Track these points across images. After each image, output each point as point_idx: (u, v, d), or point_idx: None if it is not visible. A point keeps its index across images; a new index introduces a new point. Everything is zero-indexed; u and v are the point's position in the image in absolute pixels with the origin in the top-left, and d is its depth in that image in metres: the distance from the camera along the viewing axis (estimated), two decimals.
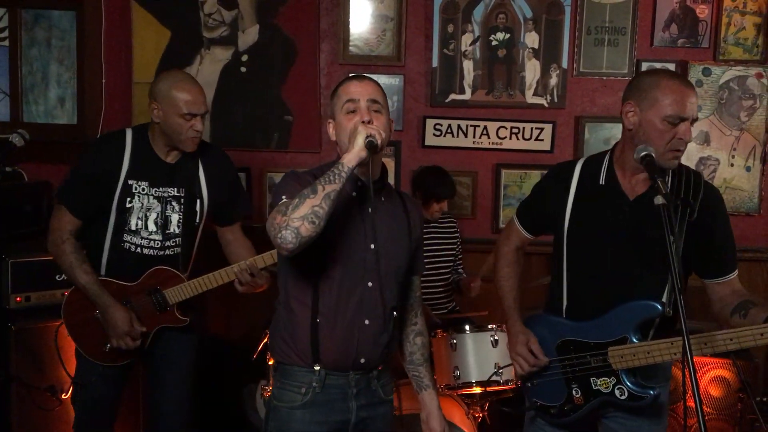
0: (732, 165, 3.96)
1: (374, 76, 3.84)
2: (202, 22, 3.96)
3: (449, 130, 4.00)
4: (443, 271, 3.74)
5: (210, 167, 2.83)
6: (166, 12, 3.95)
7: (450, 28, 3.93)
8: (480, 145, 4.01)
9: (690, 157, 3.95)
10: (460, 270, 3.84)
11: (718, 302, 2.29)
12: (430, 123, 3.99)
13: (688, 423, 3.36)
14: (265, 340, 3.36)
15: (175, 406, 2.89)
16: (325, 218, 1.87)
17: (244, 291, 2.75)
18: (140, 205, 2.72)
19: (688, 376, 1.75)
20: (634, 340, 2.17)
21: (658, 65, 3.91)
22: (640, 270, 2.18)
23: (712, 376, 3.45)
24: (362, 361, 2.07)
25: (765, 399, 3.40)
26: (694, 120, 2.11)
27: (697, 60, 3.91)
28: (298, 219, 1.85)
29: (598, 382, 2.23)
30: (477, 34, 3.94)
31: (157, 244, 2.75)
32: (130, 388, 3.10)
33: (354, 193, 2.09)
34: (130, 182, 2.70)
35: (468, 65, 3.96)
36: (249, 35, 3.98)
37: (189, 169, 2.78)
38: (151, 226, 2.73)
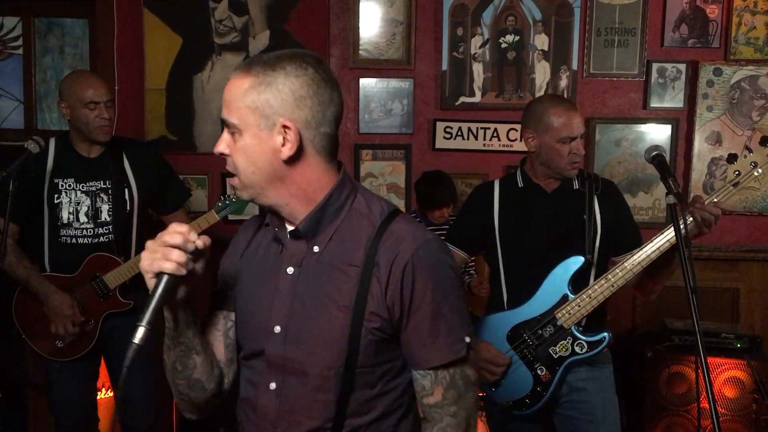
0: None
1: (384, 80, 3.98)
2: (213, 29, 3.99)
3: (459, 133, 4.01)
4: None
5: (134, 157, 2.97)
6: (178, 19, 3.98)
7: (459, 31, 3.94)
8: (490, 148, 4.02)
9: (702, 158, 3.93)
10: (472, 272, 3.84)
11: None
12: (440, 126, 4.00)
13: (702, 424, 3.34)
14: None
15: (143, 398, 2.96)
16: (205, 380, 1.43)
17: None
18: (68, 200, 2.86)
19: (701, 377, 1.74)
20: (573, 295, 2.41)
21: (668, 66, 3.91)
22: (567, 245, 2.44)
23: (727, 377, 3.43)
24: None
25: None
26: (583, 135, 2.47)
27: (708, 60, 3.90)
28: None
29: (557, 349, 2.42)
30: (486, 36, 3.95)
31: (90, 232, 2.88)
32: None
33: (279, 248, 1.43)
34: (55, 181, 2.87)
35: (478, 68, 3.96)
36: (260, 41, 4.00)
37: (113, 162, 2.92)
38: (83, 218, 2.87)
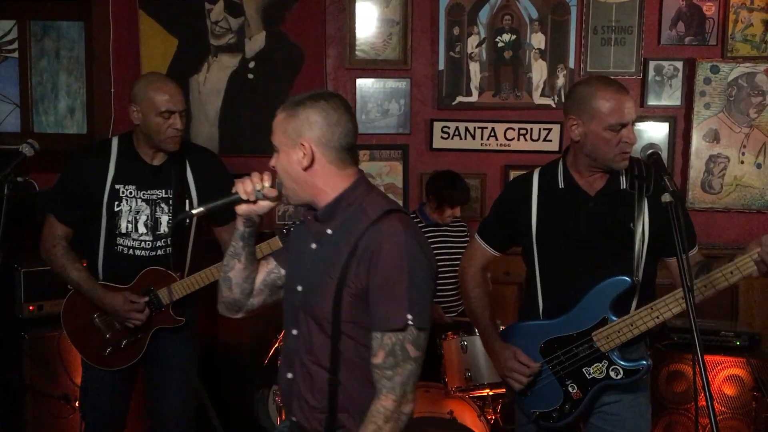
0: (742, 162, 3.94)
1: (381, 80, 3.98)
2: (209, 30, 3.98)
3: (457, 133, 4.00)
4: (453, 273, 3.73)
5: (198, 167, 2.85)
6: (173, 20, 3.97)
7: (456, 31, 3.94)
8: (488, 147, 4.01)
9: (700, 155, 3.93)
10: None
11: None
12: (437, 126, 3.99)
13: (701, 422, 3.34)
14: (276, 345, 3.37)
15: (178, 411, 2.91)
16: (234, 282, 1.94)
17: None
18: (128, 208, 2.76)
19: (699, 374, 1.73)
20: (614, 318, 2.22)
21: (665, 64, 3.91)
22: (610, 258, 2.24)
23: (726, 375, 3.42)
24: (293, 419, 1.85)
25: None
26: (635, 121, 2.21)
27: (705, 57, 3.89)
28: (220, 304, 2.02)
29: (591, 371, 2.25)
30: (483, 36, 3.94)
31: (148, 245, 2.78)
32: (135, 394, 3.11)
33: (309, 229, 1.89)
34: (116, 187, 2.75)
35: (474, 67, 3.96)
36: (256, 42, 4.00)
37: (176, 171, 2.81)
38: (141, 228, 2.77)
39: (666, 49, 3.94)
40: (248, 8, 3.96)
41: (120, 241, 2.77)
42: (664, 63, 3.92)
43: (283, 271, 1.96)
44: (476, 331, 3.18)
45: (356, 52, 3.97)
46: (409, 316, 1.68)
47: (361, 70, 3.98)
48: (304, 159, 1.77)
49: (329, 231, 1.81)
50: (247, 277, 1.95)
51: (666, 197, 1.91)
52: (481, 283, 2.50)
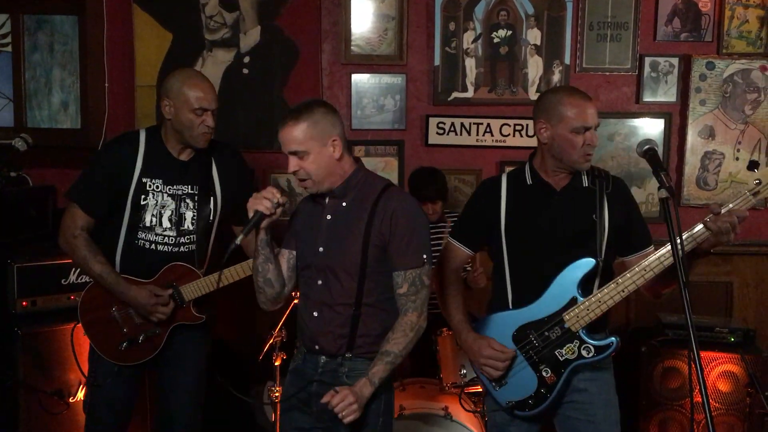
0: (737, 159, 3.94)
1: (376, 76, 3.97)
2: (204, 25, 3.96)
3: (452, 129, 4.00)
4: None
5: (223, 164, 2.85)
6: (168, 15, 3.95)
7: (451, 26, 3.93)
8: (483, 143, 4.01)
9: (695, 152, 3.93)
10: (468, 268, 3.82)
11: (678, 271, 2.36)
12: (433, 122, 3.99)
13: (696, 418, 3.34)
14: (270, 341, 3.36)
15: (188, 412, 2.89)
16: (273, 281, 2.36)
17: None
18: (155, 202, 2.74)
19: (695, 371, 1.73)
20: (582, 298, 2.35)
21: (661, 60, 3.91)
22: (575, 247, 2.39)
23: (721, 371, 3.43)
24: (316, 347, 2.33)
25: None
26: (596, 126, 2.41)
27: (701, 54, 3.89)
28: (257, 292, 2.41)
29: (564, 352, 2.37)
30: (479, 31, 3.94)
31: (172, 240, 2.76)
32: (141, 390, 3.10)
33: (320, 206, 2.37)
34: (144, 180, 2.73)
35: (470, 63, 3.95)
36: (251, 37, 3.98)
37: (202, 167, 2.80)
38: (166, 223, 2.75)
39: (662, 45, 3.94)
40: (243, 3, 3.95)
41: (142, 234, 2.75)
42: (660, 59, 3.91)
43: (295, 253, 2.41)
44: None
45: (352, 48, 3.95)
46: (425, 256, 2.29)
47: (357, 65, 3.97)
48: (336, 152, 2.26)
49: (344, 204, 2.32)
50: (279, 272, 2.37)
51: (662, 193, 1.93)
52: (454, 282, 2.62)
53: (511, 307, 2.47)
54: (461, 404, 3.11)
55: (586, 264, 2.35)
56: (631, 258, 2.46)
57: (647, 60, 3.91)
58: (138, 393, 2.96)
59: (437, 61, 3.94)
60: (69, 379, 3.19)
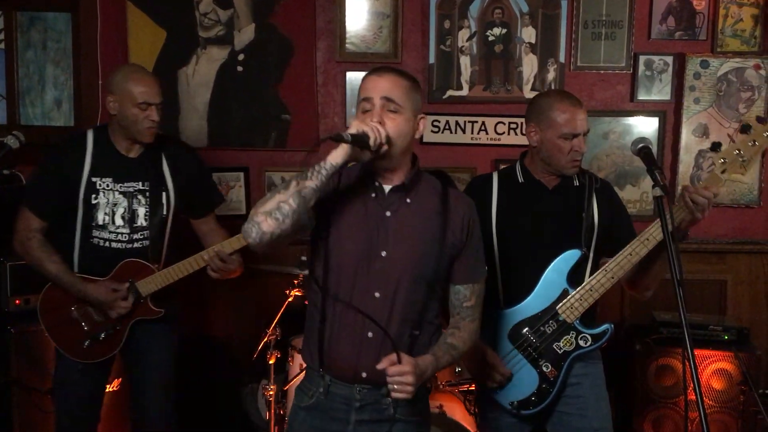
0: None
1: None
2: (198, 22, 3.95)
3: (447, 127, 3.99)
4: None
5: (174, 159, 2.87)
6: (162, 12, 3.93)
7: (446, 24, 3.92)
8: (478, 141, 4.00)
9: (689, 150, 3.94)
10: None
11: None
12: (427, 119, 3.98)
13: (690, 416, 3.35)
14: (265, 340, 3.36)
15: (159, 406, 2.91)
16: (292, 215, 1.79)
17: (217, 277, 2.83)
18: (106, 200, 2.76)
19: (689, 369, 1.74)
20: (572, 289, 2.38)
21: (655, 58, 3.91)
22: (565, 243, 2.40)
23: (714, 369, 3.44)
24: (364, 375, 1.94)
25: (767, 391, 3.39)
26: (586, 133, 2.42)
27: (695, 52, 3.90)
28: (262, 214, 1.80)
29: (562, 344, 2.39)
30: (473, 29, 3.93)
31: (125, 237, 2.78)
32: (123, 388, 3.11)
33: (374, 195, 1.97)
34: (93, 179, 2.75)
35: (465, 61, 3.95)
36: (245, 34, 3.97)
37: (152, 162, 2.82)
38: (119, 221, 2.77)
39: (656, 43, 3.94)
40: (237, 0, 3.93)
41: (96, 233, 2.77)
42: (654, 57, 3.92)
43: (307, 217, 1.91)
44: None
45: (346, 45, 3.94)
46: (485, 268, 2.13)
47: (352, 63, 3.96)
48: (419, 131, 1.98)
49: (408, 200, 1.98)
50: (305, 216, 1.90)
51: (656, 191, 1.93)
52: None
53: (502, 306, 2.46)
54: (466, 407, 3.10)
55: (572, 255, 2.38)
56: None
57: (642, 58, 3.91)
58: (104, 389, 3.00)
59: (432, 59, 3.94)
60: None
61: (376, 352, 1.90)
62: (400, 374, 1.81)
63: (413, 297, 1.95)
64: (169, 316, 2.88)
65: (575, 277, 2.40)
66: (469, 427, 2.99)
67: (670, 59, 3.91)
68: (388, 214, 1.95)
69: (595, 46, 3.93)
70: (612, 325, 2.40)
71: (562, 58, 3.93)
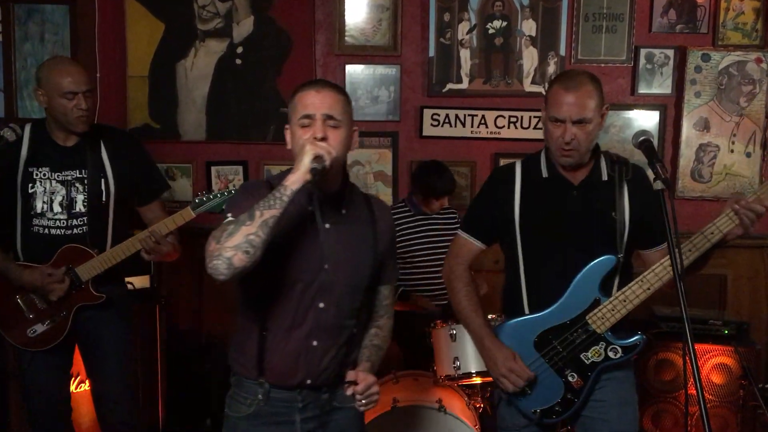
0: (732, 151, 3.94)
1: (371, 67, 3.94)
2: (197, 15, 3.93)
3: (447, 120, 3.98)
4: (442, 262, 3.71)
5: (112, 146, 2.89)
6: (160, 4, 3.92)
7: (446, 17, 3.90)
8: (478, 135, 3.99)
9: (690, 144, 3.92)
10: None
11: (658, 261, 2.27)
12: (427, 113, 3.96)
13: (690, 411, 3.34)
14: None
15: (117, 394, 2.93)
16: (261, 246, 1.79)
17: (151, 259, 2.86)
18: (43, 189, 2.80)
19: (689, 363, 1.72)
20: (605, 298, 2.22)
21: (656, 52, 3.89)
22: (594, 245, 2.23)
23: (714, 364, 3.43)
24: (308, 382, 2.00)
25: (767, 386, 3.39)
26: (581, 121, 2.17)
27: (696, 46, 3.88)
28: (231, 248, 1.77)
29: (590, 355, 2.25)
30: (473, 22, 3.91)
31: (63, 223, 2.81)
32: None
33: (310, 207, 1.98)
34: (30, 169, 2.79)
35: (465, 54, 3.93)
36: (244, 27, 3.95)
37: (90, 151, 2.84)
38: (57, 208, 2.80)
39: (657, 36, 3.92)
40: None
41: (36, 221, 2.80)
42: (655, 51, 3.90)
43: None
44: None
45: (345, 38, 3.93)
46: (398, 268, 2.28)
47: (351, 56, 3.94)
48: (353, 144, 2.02)
49: (344, 211, 2.02)
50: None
51: (658, 184, 1.90)
52: (469, 282, 2.44)
53: (527, 309, 2.32)
54: (469, 403, 3.09)
55: (607, 262, 2.21)
56: (650, 251, 2.33)
57: (642, 52, 3.89)
58: (67, 380, 3.02)
59: (432, 52, 3.92)
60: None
61: (319, 359, 2.00)
62: (368, 389, 1.94)
63: (353, 303, 2.03)
64: (114, 302, 2.89)
65: (607, 284, 2.24)
66: (468, 422, 2.98)
67: (671, 52, 3.89)
68: (327, 226, 1.98)
69: (596, 39, 3.91)
70: (644, 337, 2.25)
71: (562, 51, 3.91)
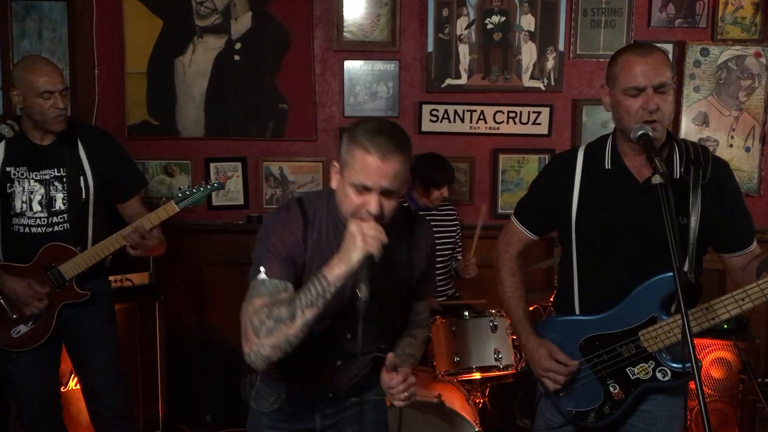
0: (731, 146, 3.94)
1: (369, 62, 3.93)
2: (194, 11, 3.92)
3: (446, 116, 3.97)
4: (443, 258, 3.72)
5: (90, 144, 2.88)
6: (158, 1, 3.91)
7: (445, 12, 3.89)
8: (477, 130, 3.98)
9: (689, 138, 3.91)
10: (459, 257, 3.82)
11: (739, 271, 2.17)
12: (426, 109, 3.96)
13: (689, 405, 3.35)
14: None
15: (106, 389, 2.94)
16: (299, 341, 1.73)
17: (137, 255, 2.84)
18: (21, 189, 2.79)
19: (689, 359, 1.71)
20: (664, 317, 2.05)
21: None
22: (658, 251, 1.98)
23: (714, 358, 3.43)
24: (330, 395, 2.06)
25: (766, 380, 3.39)
26: (661, 86, 1.98)
27: (695, 40, 3.88)
28: (270, 348, 1.72)
29: (636, 371, 2.10)
30: (472, 17, 3.90)
31: (44, 221, 2.81)
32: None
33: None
34: (7, 169, 2.79)
35: (464, 49, 3.92)
36: (242, 23, 3.94)
37: (67, 149, 2.84)
38: (36, 207, 2.80)
39: (656, 31, 3.91)
40: None
41: (16, 221, 2.80)
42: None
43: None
44: (465, 315, 3.20)
45: (344, 34, 3.92)
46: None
47: (349, 51, 3.94)
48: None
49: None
50: None
51: (656, 179, 1.87)
52: (516, 271, 2.31)
53: (578, 310, 2.19)
54: (466, 398, 3.10)
55: (671, 281, 1.96)
56: (730, 256, 2.18)
57: None
58: (55, 379, 3.02)
59: (430, 48, 3.91)
60: (60, 369, 3.16)
61: (344, 376, 2.02)
62: (406, 385, 1.87)
63: (383, 330, 2.01)
64: (97, 298, 2.90)
65: (669, 301, 2.05)
66: (467, 417, 2.99)
67: (670, 47, 3.88)
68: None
69: (595, 34, 3.91)
70: (700, 363, 1.83)
71: (561, 47, 3.90)
